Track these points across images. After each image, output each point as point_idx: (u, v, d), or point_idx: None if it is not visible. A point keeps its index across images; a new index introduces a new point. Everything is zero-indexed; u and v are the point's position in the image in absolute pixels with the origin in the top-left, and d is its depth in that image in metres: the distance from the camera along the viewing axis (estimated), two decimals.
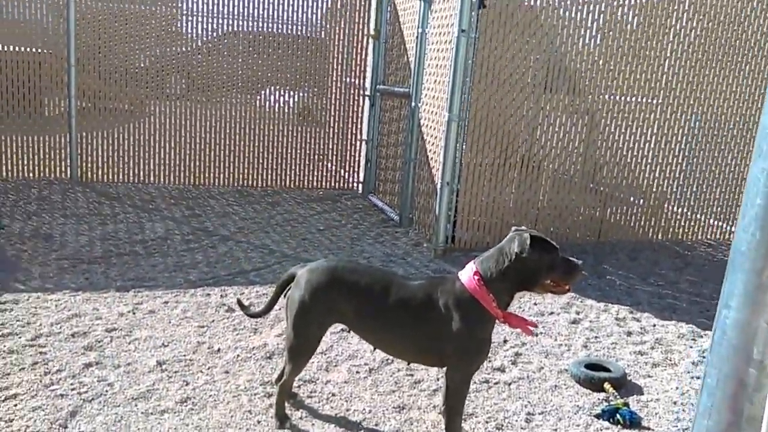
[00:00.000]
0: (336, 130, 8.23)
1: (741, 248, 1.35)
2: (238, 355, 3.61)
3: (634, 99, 6.12)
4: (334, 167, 8.32)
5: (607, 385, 3.41)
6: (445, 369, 2.72)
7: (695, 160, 6.46)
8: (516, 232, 2.67)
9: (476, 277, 2.61)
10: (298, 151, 8.10)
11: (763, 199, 1.28)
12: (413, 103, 6.40)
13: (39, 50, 7.18)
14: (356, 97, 8.12)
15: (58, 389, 3.13)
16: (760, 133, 1.32)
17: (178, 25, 7.59)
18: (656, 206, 6.47)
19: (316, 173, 8.22)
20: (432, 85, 6.01)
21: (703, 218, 6.69)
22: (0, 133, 7.14)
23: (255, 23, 7.65)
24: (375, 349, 2.93)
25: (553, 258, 2.59)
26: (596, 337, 4.18)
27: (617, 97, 6.07)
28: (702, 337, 4.29)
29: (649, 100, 6.17)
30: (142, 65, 7.52)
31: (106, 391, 3.15)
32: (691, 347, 4.12)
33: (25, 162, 7.27)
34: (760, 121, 1.29)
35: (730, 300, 1.38)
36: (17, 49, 7.08)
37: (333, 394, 3.27)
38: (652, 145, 6.28)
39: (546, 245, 2.59)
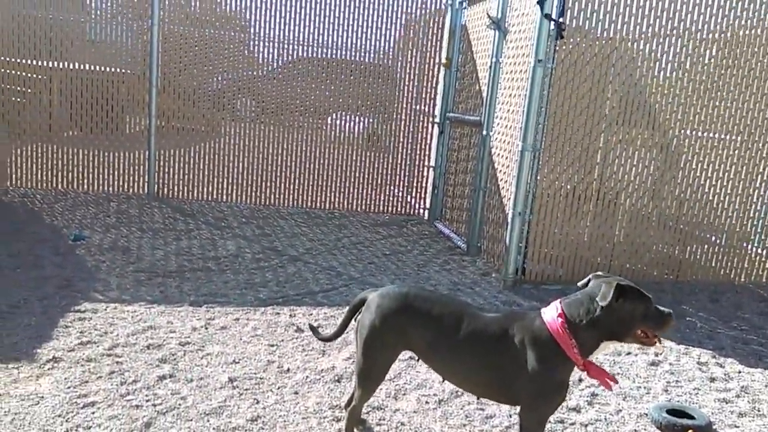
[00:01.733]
0: (404, 156, 8.25)
1: None
2: (307, 377, 3.59)
3: (716, 134, 5.91)
4: (400, 193, 8.32)
5: None
6: (518, 407, 2.63)
7: None
8: (598, 278, 2.58)
9: (560, 320, 2.51)
10: (366, 176, 8.15)
11: None
12: (484, 132, 6.35)
13: (123, 71, 7.49)
14: (425, 124, 8.13)
15: (133, 400, 3.18)
16: None
17: (253, 50, 7.79)
18: (738, 246, 6.19)
19: (382, 198, 8.24)
20: (505, 114, 5.96)
21: None
22: (83, 147, 7.45)
23: (327, 50, 7.78)
24: (444, 380, 2.86)
25: (646, 308, 2.50)
26: (677, 381, 3.98)
27: (698, 133, 5.87)
28: None
29: (733, 137, 5.94)
30: (219, 87, 7.75)
31: (179, 404, 3.17)
32: None
33: (106, 176, 7.55)
34: None
35: None
36: (103, 69, 7.41)
37: (402, 424, 3.20)
38: (735, 183, 6.03)
39: (638, 294, 2.49)
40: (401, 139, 8.24)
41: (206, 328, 4.13)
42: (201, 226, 6.74)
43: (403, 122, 8.20)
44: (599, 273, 2.65)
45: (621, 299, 2.46)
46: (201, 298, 4.66)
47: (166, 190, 7.71)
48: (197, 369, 3.57)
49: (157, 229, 6.43)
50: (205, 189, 7.78)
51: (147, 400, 3.18)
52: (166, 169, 7.66)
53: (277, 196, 7.96)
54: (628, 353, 4.34)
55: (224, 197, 7.84)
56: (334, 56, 7.83)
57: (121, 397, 3.20)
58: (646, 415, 3.50)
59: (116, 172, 7.58)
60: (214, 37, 7.56)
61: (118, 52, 7.44)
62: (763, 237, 6.23)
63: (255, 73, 7.86)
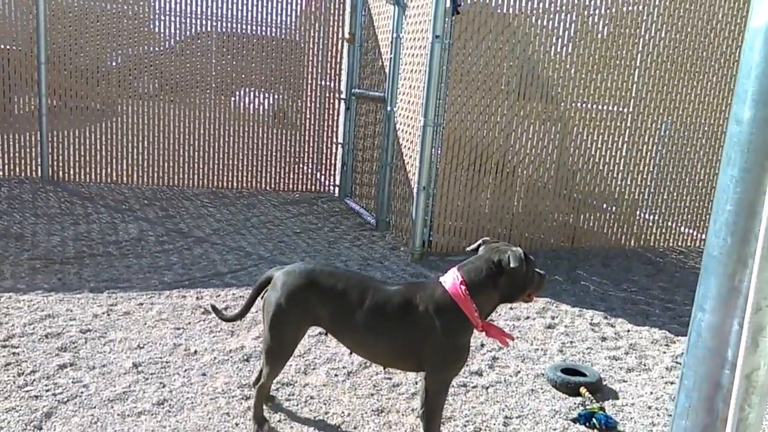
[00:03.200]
0: (312, 133, 8.23)
1: (713, 253, 1.40)
2: (215, 358, 3.58)
3: (605, 107, 6.23)
4: (310, 170, 8.31)
5: (583, 390, 3.46)
6: (423, 373, 2.74)
7: (665, 168, 6.60)
8: (487, 243, 2.73)
9: (463, 287, 2.62)
10: (274, 154, 8.08)
11: (732, 205, 1.33)
12: (389, 108, 6.42)
13: (8, 47, 7.05)
14: (332, 101, 8.12)
15: (32, 390, 3.07)
16: (727, 142, 1.37)
17: (151, 25, 7.51)
18: (628, 213, 6.60)
19: (291, 176, 8.20)
20: (407, 89, 6.05)
21: (674, 226, 6.83)
22: None
23: (229, 24, 7.61)
24: (351, 353, 2.93)
25: (533, 270, 2.70)
26: (571, 341, 4.25)
27: (589, 105, 6.18)
28: (675, 342, 4.38)
29: (620, 109, 6.29)
30: (114, 64, 7.43)
31: (82, 392, 3.10)
32: (664, 353, 4.20)
33: None
34: (727, 130, 1.34)
35: (704, 303, 1.42)
36: None
37: (311, 397, 3.26)
38: (623, 153, 6.40)
39: (530, 259, 2.68)
40: (308, 116, 8.20)
41: (108, 315, 4.02)
42: (100, 209, 6.49)
43: (309, 98, 8.16)
44: (487, 239, 2.80)
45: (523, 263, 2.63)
46: (102, 284, 4.52)
47: (61, 173, 7.36)
48: (99, 356, 3.49)
49: (52, 214, 6.14)
50: (104, 171, 7.49)
51: (47, 390, 3.09)
52: (61, 151, 7.31)
53: (181, 176, 7.76)
54: (527, 317, 4.57)
55: (124, 179, 7.58)
56: (235, 30, 7.67)
57: (19, 388, 3.08)
58: (543, 375, 3.71)
59: (6, 155, 7.16)
60: (105, 11, 7.22)
61: (2, 27, 6.97)
62: (650, 204, 6.67)
63: (154, 48, 7.58)
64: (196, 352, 3.64)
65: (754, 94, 1.23)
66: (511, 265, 2.57)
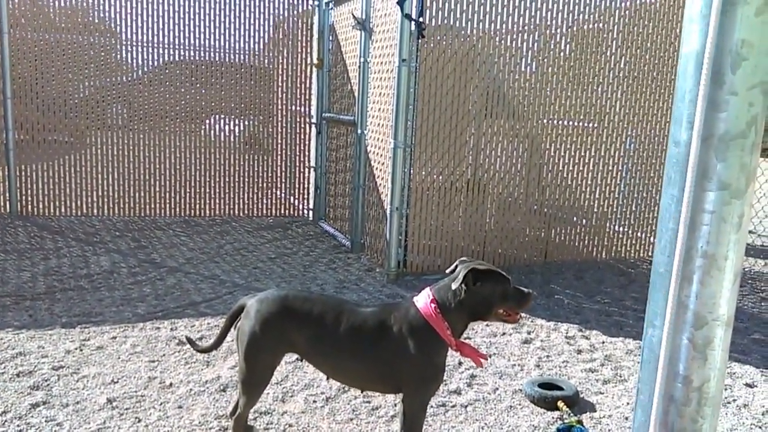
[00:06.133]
0: (284, 158, 8.24)
1: (660, 270, 1.44)
2: (191, 389, 3.55)
3: (571, 123, 6.35)
4: (283, 195, 8.31)
5: (560, 404, 3.49)
6: (401, 395, 2.75)
7: (632, 180, 6.72)
8: (464, 263, 2.74)
9: (433, 305, 2.65)
10: (246, 180, 8.07)
11: (675, 223, 1.38)
12: (359, 131, 6.47)
13: None
14: (302, 125, 8.16)
15: None
16: (667, 162, 1.42)
17: (118, 55, 7.50)
18: (598, 226, 6.70)
19: (265, 201, 8.19)
20: (376, 113, 6.10)
21: (643, 236, 6.94)
22: None
23: (197, 52, 7.63)
24: (329, 378, 2.92)
25: (505, 288, 2.66)
26: (548, 356, 4.28)
27: (555, 122, 6.29)
28: None
29: (586, 124, 6.41)
30: (82, 96, 7.39)
31: (55, 431, 3.05)
32: (639, 363, 4.25)
33: None
34: (667, 152, 1.39)
35: (654, 319, 1.46)
36: None
37: (290, 425, 3.24)
38: (590, 167, 6.51)
39: (495, 276, 2.65)
40: (280, 141, 8.22)
41: (81, 350, 3.97)
42: (71, 243, 6.42)
43: (280, 123, 8.19)
44: (464, 258, 2.82)
45: (479, 282, 2.62)
46: (74, 319, 4.46)
47: (30, 207, 7.27)
48: (73, 393, 3.44)
49: (22, 249, 6.06)
50: (74, 203, 7.41)
51: (19, 430, 3.03)
52: (29, 185, 7.23)
53: (152, 206, 7.71)
54: (503, 333, 4.60)
55: (95, 211, 7.50)
56: (204, 58, 7.69)
57: None
58: (521, 390, 3.74)
59: None
60: (71, 43, 7.19)
61: None
62: (619, 216, 6.78)
63: (122, 78, 7.56)
64: (171, 384, 3.60)
65: (689, 117, 1.28)
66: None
